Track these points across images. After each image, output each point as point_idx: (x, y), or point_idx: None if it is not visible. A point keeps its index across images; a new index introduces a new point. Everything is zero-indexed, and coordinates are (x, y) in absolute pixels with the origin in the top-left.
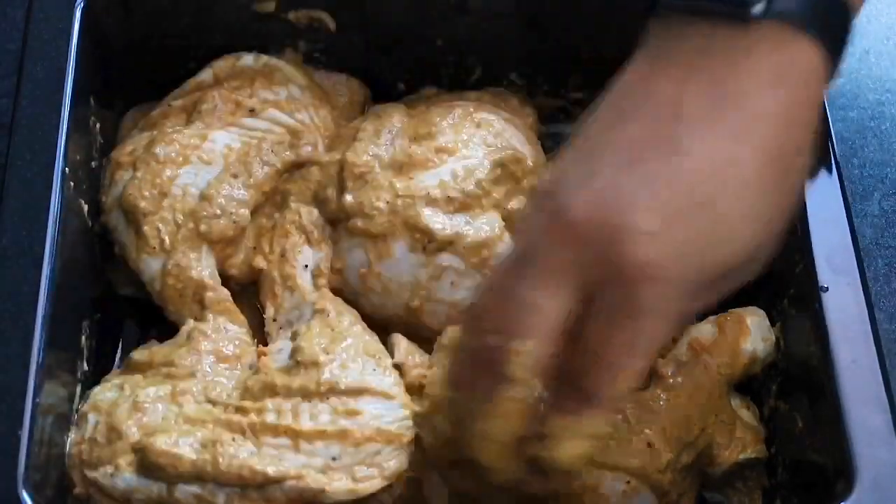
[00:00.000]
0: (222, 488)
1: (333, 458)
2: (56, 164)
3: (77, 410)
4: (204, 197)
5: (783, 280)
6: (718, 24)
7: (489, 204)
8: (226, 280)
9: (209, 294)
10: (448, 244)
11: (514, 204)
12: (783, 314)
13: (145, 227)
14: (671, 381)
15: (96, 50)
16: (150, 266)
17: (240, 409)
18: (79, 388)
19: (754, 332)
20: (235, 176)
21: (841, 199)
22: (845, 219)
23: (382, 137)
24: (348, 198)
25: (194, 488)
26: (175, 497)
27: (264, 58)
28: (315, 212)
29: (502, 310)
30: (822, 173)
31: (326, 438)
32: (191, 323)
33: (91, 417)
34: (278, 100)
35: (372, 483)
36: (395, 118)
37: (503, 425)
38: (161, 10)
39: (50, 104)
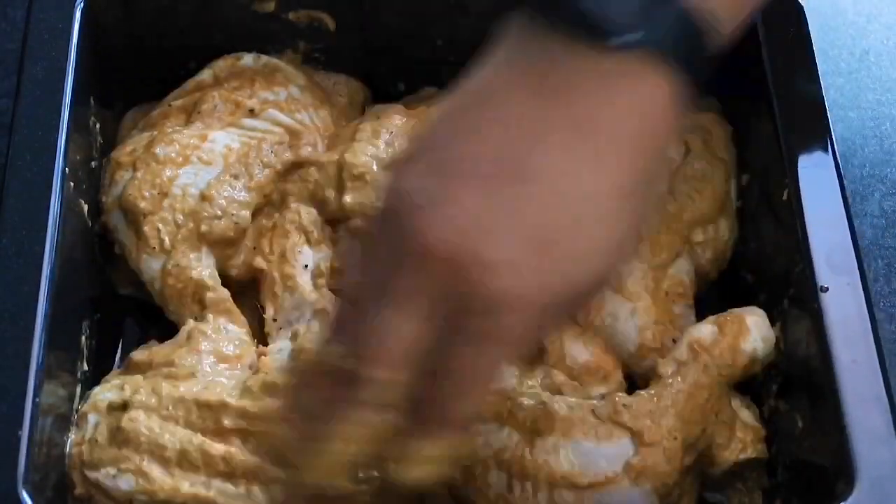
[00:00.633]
0: (226, 488)
1: None
2: (56, 164)
3: (77, 410)
4: (204, 197)
5: (783, 280)
6: (578, 44)
7: None
8: (226, 280)
9: (209, 294)
10: None
11: None
12: (783, 314)
13: (145, 227)
14: (671, 381)
15: (96, 50)
16: (150, 266)
17: (240, 409)
18: (79, 388)
19: (754, 332)
20: (236, 177)
21: (841, 199)
22: (845, 219)
23: (381, 138)
24: (348, 198)
25: (197, 488)
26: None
27: (264, 58)
28: (314, 212)
29: (354, 332)
30: (823, 173)
31: None
32: (191, 323)
33: (91, 418)
34: (278, 100)
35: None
36: (395, 118)
37: (343, 448)
38: (161, 10)
39: (50, 104)
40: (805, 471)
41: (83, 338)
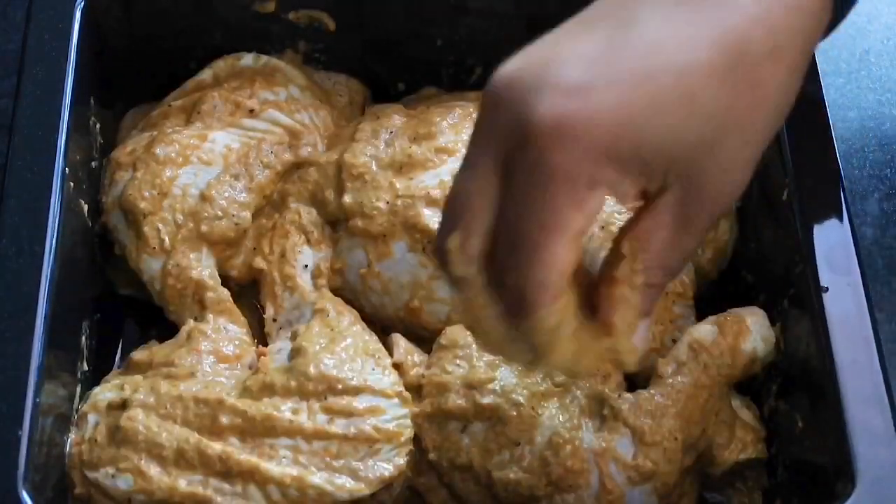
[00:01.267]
0: (223, 487)
1: (333, 458)
2: (56, 164)
3: (77, 410)
4: (204, 197)
5: (783, 280)
6: None
7: None
8: (226, 280)
9: (209, 294)
10: None
11: None
12: (783, 314)
13: (145, 228)
14: (671, 381)
15: (96, 50)
16: (151, 266)
17: (240, 410)
18: (79, 388)
19: (754, 332)
20: (236, 177)
21: (841, 199)
22: (845, 219)
23: (380, 138)
24: (347, 198)
25: (194, 487)
26: (176, 498)
27: (264, 58)
28: (314, 212)
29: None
30: (823, 173)
31: (326, 438)
32: (191, 323)
33: (91, 417)
34: (278, 100)
35: (371, 482)
36: (395, 118)
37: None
38: (161, 10)
39: (50, 104)
40: (805, 471)
41: (83, 338)
